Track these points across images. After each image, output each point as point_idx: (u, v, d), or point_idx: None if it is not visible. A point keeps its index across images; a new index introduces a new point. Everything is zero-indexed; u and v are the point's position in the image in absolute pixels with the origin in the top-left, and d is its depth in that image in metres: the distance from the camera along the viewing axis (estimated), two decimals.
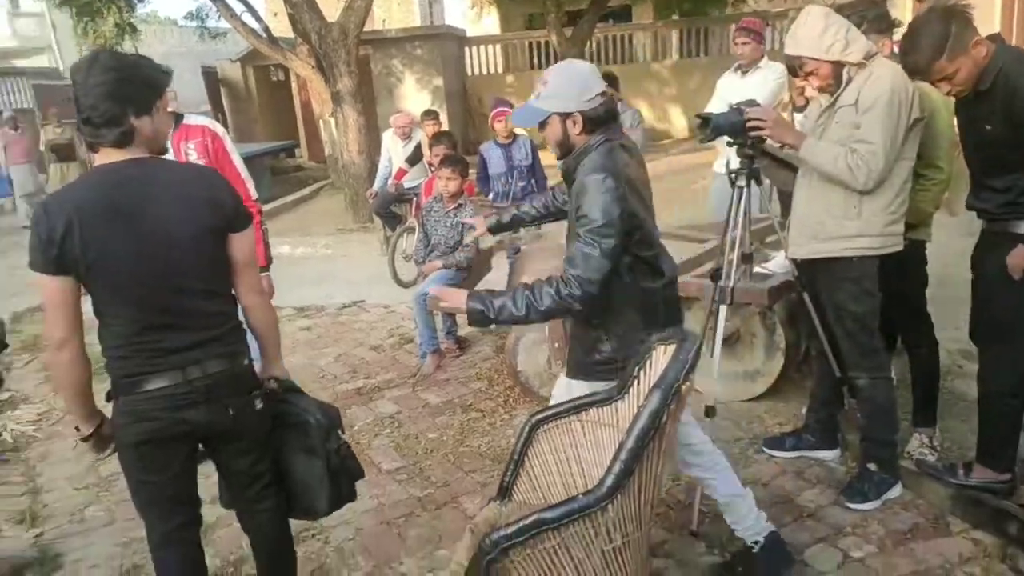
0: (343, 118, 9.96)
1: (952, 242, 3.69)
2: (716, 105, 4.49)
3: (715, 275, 3.06)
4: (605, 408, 2.34)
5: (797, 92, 4.30)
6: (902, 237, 2.76)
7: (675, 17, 16.75)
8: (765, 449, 3.31)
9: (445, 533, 2.92)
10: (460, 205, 4.75)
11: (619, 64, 16.56)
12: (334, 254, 8.42)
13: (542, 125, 2.32)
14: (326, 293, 6.57)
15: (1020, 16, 6.36)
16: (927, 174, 2.86)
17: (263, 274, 2.86)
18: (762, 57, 4.61)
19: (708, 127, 2.77)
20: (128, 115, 1.84)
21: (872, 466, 2.89)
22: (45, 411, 4.44)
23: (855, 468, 3.02)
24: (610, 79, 5.37)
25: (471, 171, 5.55)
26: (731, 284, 2.93)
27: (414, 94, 15.86)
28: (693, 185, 10.64)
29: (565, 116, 2.25)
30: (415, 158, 6.92)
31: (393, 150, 7.23)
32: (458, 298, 2.28)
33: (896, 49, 2.87)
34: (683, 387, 1.85)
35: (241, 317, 2.11)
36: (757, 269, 3.44)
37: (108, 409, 2.03)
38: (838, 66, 2.64)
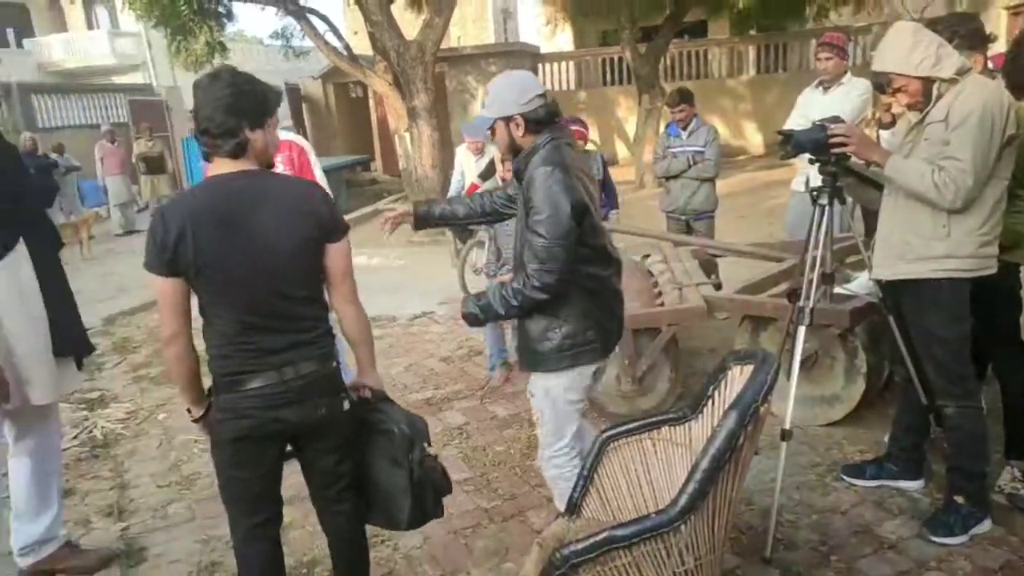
0: (418, 133, 10.17)
1: None
2: (796, 121, 4.39)
3: (793, 295, 2.99)
4: (678, 427, 2.31)
5: (883, 109, 4.17)
6: (995, 259, 2.64)
7: (752, 32, 16.50)
8: (844, 477, 3.19)
9: (512, 546, 2.93)
10: None
11: (694, 80, 16.40)
12: (406, 265, 8.58)
13: (492, 133, 2.46)
14: (398, 304, 6.69)
15: None
16: (1023, 194, 2.74)
17: None
18: (845, 73, 4.49)
19: (789, 144, 2.72)
20: (243, 128, 1.96)
21: (959, 499, 2.75)
22: (133, 410, 4.66)
23: (940, 500, 2.89)
24: (685, 95, 5.35)
25: None
26: (811, 304, 2.85)
27: None
28: (767, 203, 10.43)
29: (508, 120, 2.38)
30: (487, 173, 6.98)
31: (466, 165, 7.31)
32: (460, 304, 2.49)
33: (991, 64, 2.76)
34: (761, 409, 1.81)
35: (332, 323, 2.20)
36: (838, 290, 3.34)
37: None
38: (928, 82, 2.56)
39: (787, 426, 2.80)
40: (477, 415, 4.24)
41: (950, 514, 2.76)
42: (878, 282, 2.86)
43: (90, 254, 10.06)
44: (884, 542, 2.77)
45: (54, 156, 11.79)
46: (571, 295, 2.37)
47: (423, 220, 2.85)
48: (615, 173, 5.93)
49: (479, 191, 2.91)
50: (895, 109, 3.54)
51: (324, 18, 11.57)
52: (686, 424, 2.28)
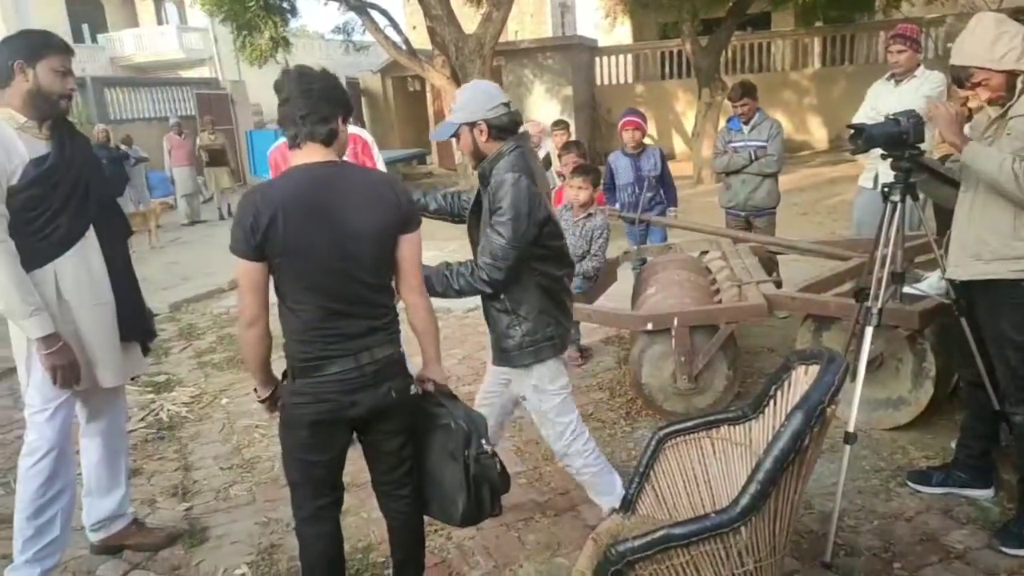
0: None
1: None
2: (866, 114, 4.26)
3: (860, 294, 2.90)
4: (737, 426, 2.27)
5: (959, 102, 4.01)
6: None
7: (818, 24, 16.04)
8: (909, 483, 3.09)
9: (564, 540, 2.92)
10: (590, 215, 4.74)
11: (756, 73, 16.07)
12: (462, 257, 8.61)
13: (457, 138, 2.58)
14: None
15: None
16: None
17: None
18: (918, 65, 4.33)
19: (860, 138, 2.64)
20: (337, 117, 2.07)
21: None
22: (197, 394, 4.80)
23: (1012, 510, 2.78)
24: (748, 88, 5.24)
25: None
26: (879, 305, 2.76)
27: (543, 104, 16.04)
28: (830, 199, 10.15)
29: (472, 125, 2.51)
30: (544, 167, 6.98)
31: None
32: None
33: None
34: (828, 410, 1.76)
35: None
36: (907, 289, 3.23)
37: None
38: (1012, 76, 2.45)
39: (851, 429, 2.72)
40: None
41: (1022, 525, 2.65)
42: (951, 282, 2.76)
43: (158, 243, 10.39)
44: (951, 551, 2.67)
45: (123, 147, 12.22)
46: (528, 293, 2.55)
47: None
48: (672, 168, 5.82)
49: (457, 191, 3.02)
50: (972, 103, 3.40)
51: (385, 13, 11.71)
52: (746, 424, 2.23)
